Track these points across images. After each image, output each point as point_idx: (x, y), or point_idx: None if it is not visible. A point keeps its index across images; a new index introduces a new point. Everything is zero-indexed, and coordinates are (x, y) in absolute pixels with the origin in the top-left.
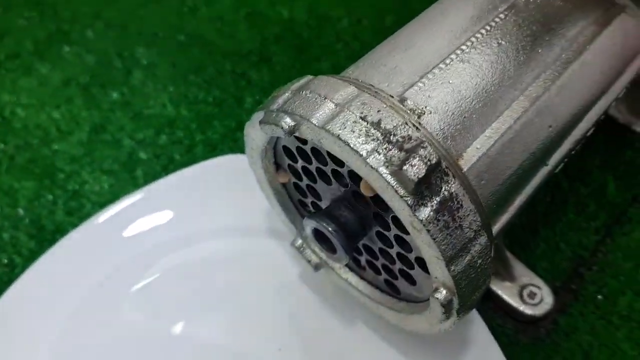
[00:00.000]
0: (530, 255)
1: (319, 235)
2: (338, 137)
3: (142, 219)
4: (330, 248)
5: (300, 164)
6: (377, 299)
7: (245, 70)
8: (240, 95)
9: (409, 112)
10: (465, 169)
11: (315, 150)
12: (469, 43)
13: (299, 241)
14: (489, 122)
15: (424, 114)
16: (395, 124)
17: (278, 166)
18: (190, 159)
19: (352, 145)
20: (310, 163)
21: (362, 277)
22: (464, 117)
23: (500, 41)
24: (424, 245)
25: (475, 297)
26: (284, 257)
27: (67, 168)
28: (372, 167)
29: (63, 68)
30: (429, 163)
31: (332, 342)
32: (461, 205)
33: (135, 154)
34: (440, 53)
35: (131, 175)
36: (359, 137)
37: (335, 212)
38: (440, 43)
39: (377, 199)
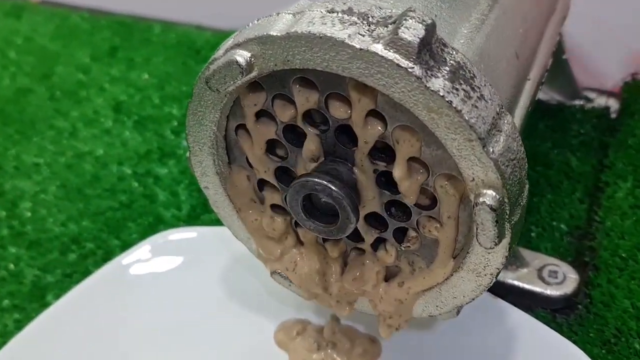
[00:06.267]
0: (528, 242)
1: (308, 207)
2: (309, 34)
3: None
4: (327, 219)
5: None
6: None
7: (150, 168)
8: (150, 192)
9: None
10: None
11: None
12: None
13: None
14: (463, 21)
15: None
16: (369, 7)
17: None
18: None
19: (328, 34)
20: (276, 124)
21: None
22: (435, 15)
23: None
24: (449, 131)
25: (521, 199)
26: None
27: None
28: (359, 49)
29: None
30: (425, 22)
31: None
32: (474, 74)
33: (41, 281)
34: None
35: (41, 304)
36: (333, 27)
37: (323, 168)
38: None
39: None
